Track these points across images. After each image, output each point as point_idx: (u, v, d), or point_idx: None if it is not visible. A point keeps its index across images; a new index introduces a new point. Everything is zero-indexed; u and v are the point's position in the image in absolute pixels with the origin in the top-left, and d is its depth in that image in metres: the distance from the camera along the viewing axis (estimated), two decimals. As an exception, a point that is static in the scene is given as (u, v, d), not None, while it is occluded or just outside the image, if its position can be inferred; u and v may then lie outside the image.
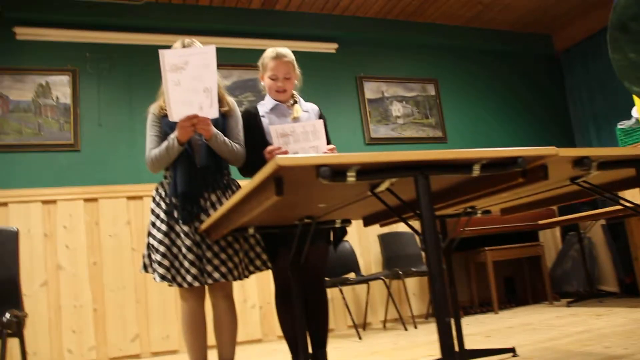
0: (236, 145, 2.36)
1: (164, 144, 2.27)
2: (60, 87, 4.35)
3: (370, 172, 1.38)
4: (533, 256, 5.04)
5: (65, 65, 4.40)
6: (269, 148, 2.31)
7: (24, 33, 4.32)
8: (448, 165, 1.52)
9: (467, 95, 5.75)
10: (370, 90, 5.31)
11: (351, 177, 1.33)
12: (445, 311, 1.45)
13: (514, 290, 5.33)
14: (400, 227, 4.66)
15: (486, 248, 4.75)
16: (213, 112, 2.18)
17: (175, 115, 2.14)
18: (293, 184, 1.40)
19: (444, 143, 5.47)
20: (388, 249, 4.78)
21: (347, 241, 4.51)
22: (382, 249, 4.77)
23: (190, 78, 2.10)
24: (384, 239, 4.78)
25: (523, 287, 5.33)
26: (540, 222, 4.77)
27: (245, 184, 2.51)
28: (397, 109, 5.38)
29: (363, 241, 4.85)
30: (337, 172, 1.30)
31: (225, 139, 2.32)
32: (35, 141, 4.19)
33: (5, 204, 3.98)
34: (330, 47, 5.24)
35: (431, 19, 5.56)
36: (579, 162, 1.82)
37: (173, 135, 2.24)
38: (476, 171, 1.56)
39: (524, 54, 6.16)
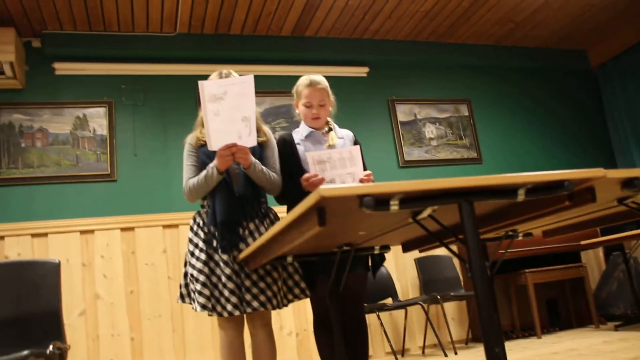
0: (273, 174, 2.36)
1: (203, 173, 2.28)
2: (97, 119, 4.44)
3: (413, 200, 1.35)
4: (576, 278, 4.88)
5: (101, 97, 4.50)
6: (306, 175, 2.30)
7: (62, 68, 4.45)
8: (492, 191, 1.48)
9: (501, 114, 5.67)
10: (403, 112, 5.28)
11: (394, 205, 1.30)
12: (495, 341, 1.39)
13: (557, 314, 5.16)
14: (438, 250, 4.57)
15: (526, 270, 4.62)
16: (251, 141, 2.19)
17: (214, 144, 2.15)
18: (335, 214, 1.38)
19: (479, 164, 5.38)
20: (425, 272, 4.69)
21: (383, 266, 4.44)
22: (419, 272, 4.69)
23: (229, 108, 2.11)
24: (421, 262, 4.70)
25: (566, 310, 5.15)
26: (583, 242, 4.62)
27: (284, 215, 2.51)
28: (430, 130, 5.33)
29: (400, 265, 4.77)
30: (380, 202, 1.27)
31: (263, 167, 2.32)
32: (73, 172, 4.28)
33: (45, 235, 4.05)
34: (361, 71, 5.24)
35: (462, 39, 5.52)
36: (629, 183, 1.75)
37: (212, 164, 2.24)
38: (521, 196, 1.51)
39: (558, 70, 6.06)
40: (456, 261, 4.85)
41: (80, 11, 4.24)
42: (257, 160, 2.29)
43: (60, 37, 4.46)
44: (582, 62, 6.11)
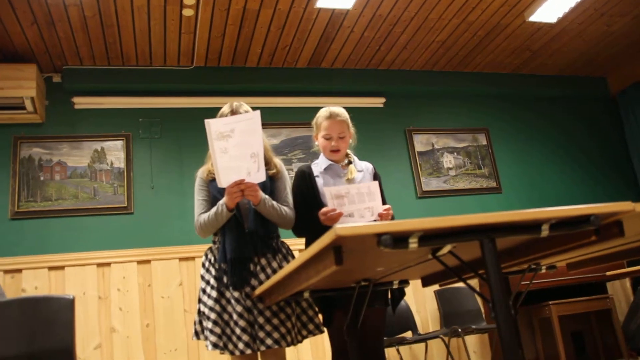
0: (285, 208, 2.32)
1: (213, 210, 2.26)
2: (115, 152, 4.47)
3: (433, 238, 1.30)
4: (602, 310, 4.73)
5: (119, 130, 4.54)
6: (324, 210, 2.26)
7: (81, 102, 4.50)
8: (515, 227, 1.43)
9: (520, 142, 5.60)
10: (420, 142, 5.25)
11: (413, 244, 1.26)
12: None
13: (583, 347, 4.99)
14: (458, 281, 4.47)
15: (550, 302, 4.49)
16: (260, 176, 2.17)
17: (223, 182, 2.13)
18: (352, 252, 1.33)
19: (499, 193, 5.30)
20: (446, 305, 4.58)
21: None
22: (439, 305, 4.58)
23: (237, 145, 2.09)
24: (441, 294, 4.60)
25: (593, 343, 4.98)
26: (608, 273, 4.49)
27: (299, 248, 2.47)
28: (448, 160, 5.27)
29: (419, 297, 4.67)
30: (398, 240, 1.23)
31: (274, 203, 2.28)
32: (90, 205, 4.29)
33: (62, 268, 4.04)
34: (378, 102, 5.23)
35: (479, 68, 5.50)
36: (659, 215, 1.68)
37: (222, 202, 2.22)
38: (545, 231, 1.46)
39: (577, 97, 5.98)
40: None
41: (99, 46, 4.31)
42: (267, 197, 2.26)
43: (79, 72, 4.53)
44: (602, 89, 6.04)
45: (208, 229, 2.30)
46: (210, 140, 2.08)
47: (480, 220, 1.30)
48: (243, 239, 2.24)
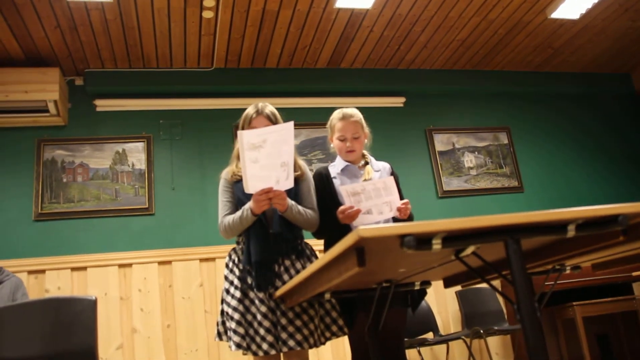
0: (309, 212, 2.32)
1: (238, 214, 2.25)
2: (136, 153, 4.51)
3: (456, 239, 1.28)
4: (628, 311, 4.63)
5: (140, 132, 4.57)
6: (342, 208, 2.25)
7: (103, 105, 4.55)
8: (540, 227, 1.40)
9: (542, 141, 5.52)
10: (441, 142, 5.20)
11: (437, 245, 1.24)
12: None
13: (609, 350, 4.90)
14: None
15: (574, 303, 4.41)
16: (289, 184, 2.17)
17: (251, 188, 2.12)
18: (375, 253, 1.32)
19: (521, 192, 5.23)
20: (467, 306, 4.53)
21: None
22: (460, 306, 4.53)
23: (268, 154, 2.08)
24: (462, 295, 4.55)
25: (619, 345, 4.89)
26: (634, 273, 4.41)
27: (321, 249, 2.46)
28: (469, 159, 5.22)
29: (440, 298, 4.63)
30: (422, 241, 1.21)
31: (300, 208, 2.27)
32: (112, 206, 4.33)
33: (84, 268, 4.09)
34: (397, 101, 5.20)
35: (499, 67, 5.44)
36: (689, 214, 1.63)
37: (247, 206, 2.21)
38: (571, 232, 1.43)
39: (600, 95, 5.88)
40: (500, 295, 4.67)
41: (121, 49, 4.35)
42: (293, 203, 2.26)
43: (101, 75, 4.58)
44: (626, 86, 5.93)
45: (232, 232, 2.31)
46: (242, 150, 2.06)
47: (505, 220, 1.28)
48: (267, 241, 2.24)
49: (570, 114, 5.71)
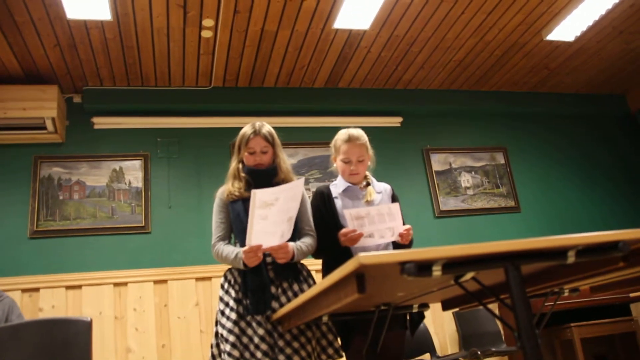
0: (309, 242, 2.32)
1: (232, 254, 2.25)
2: (133, 171, 4.50)
3: (456, 265, 1.28)
4: (626, 332, 4.61)
5: (137, 150, 4.57)
6: (344, 230, 2.24)
7: (100, 122, 4.55)
8: (540, 254, 1.40)
9: (539, 161, 5.54)
10: (438, 162, 5.21)
11: (437, 271, 1.23)
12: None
13: (606, 371, 4.88)
14: (476, 303, 4.40)
15: (572, 324, 4.39)
16: (289, 234, 2.19)
17: (254, 241, 2.11)
18: (374, 278, 1.31)
19: (518, 212, 5.23)
20: (464, 327, 4.50)
21: (420, 320, 4.29)
22: (458, 327, 4.50)
23: (278, 212, 2.08)
24: (459, 316, 4.52)
25: (617, 367, 4.87)
26: (632, 294, 4.39)
27: (316, 273, 2.44)
28: (466, 179, 5.23)
29: (437, 319, 4.61)
30: (422, 267, 1.21)
31: (302, 246, 2.27)
32: (108, 224, 4.31)
33: (79, 287, 4.05)
34: (394, 121, 5.22)
35: (496, 87, 5.48)
36: (689, 240, 1.63)
37: (241, 255, 2.19)
38: (571, 258, 1.42)
39: (595, 116, 5.92)
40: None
41: (119, 68, 4.36)
42: (296, 247, 2.25)
43: (99, 93, 4.58)
44: (621, 107, 5.97)
45: (224, 263, 2.32)
46: (252, 208, 2.02)
47: (505, 247, 1.28)
48: (265, 269, 2.24)
49: (566, 135, 5.74)
